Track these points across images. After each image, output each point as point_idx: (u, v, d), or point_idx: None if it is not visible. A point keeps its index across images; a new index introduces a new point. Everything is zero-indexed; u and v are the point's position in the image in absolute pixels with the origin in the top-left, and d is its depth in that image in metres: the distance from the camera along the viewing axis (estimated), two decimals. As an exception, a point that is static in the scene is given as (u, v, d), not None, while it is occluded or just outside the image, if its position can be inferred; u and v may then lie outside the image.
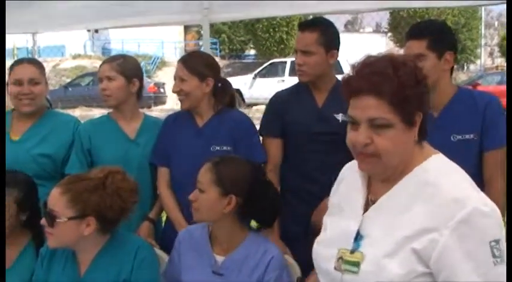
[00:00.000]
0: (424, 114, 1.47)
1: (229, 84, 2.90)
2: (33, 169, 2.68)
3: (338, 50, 2.78)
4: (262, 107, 14.62)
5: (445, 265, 1.38)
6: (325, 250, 1.60)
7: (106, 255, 2.13)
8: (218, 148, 2.71)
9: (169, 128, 2.85)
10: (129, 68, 2.83)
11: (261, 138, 2.89)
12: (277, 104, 2.89)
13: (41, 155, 2.83)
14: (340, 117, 2.69)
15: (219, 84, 2.79)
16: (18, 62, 2.93)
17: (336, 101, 2.71)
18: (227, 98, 2.83)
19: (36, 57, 7.55)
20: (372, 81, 1.42)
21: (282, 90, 2.99)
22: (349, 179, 1.66)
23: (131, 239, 2.25)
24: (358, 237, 1.50)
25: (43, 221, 2.07)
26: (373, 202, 1.54)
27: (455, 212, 1.38)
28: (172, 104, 20.34)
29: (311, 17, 3.25)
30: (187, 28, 30.42)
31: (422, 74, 1.46)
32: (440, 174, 1.48)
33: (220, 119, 2.78)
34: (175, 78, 2.76)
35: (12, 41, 27.44)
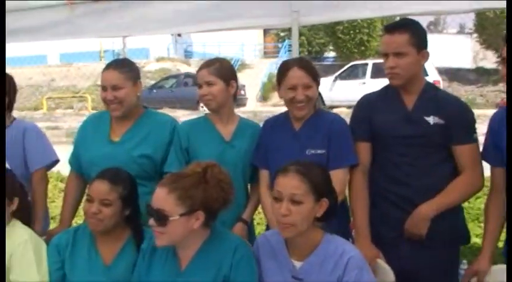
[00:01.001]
0: None
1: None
2: (133, 169, 2.75)
3: (427, 49, 2.73)
4: (343, 110, 14.52)
5: None
6: None
7: (206, 251, 2.20)
8: (313, 152, 2.74)
9: (268, 131, 2.91)
10: (226, 71, 2.89)
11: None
12: (365, 107, 2.87)
13: (141, 156, 2.90)
14: (431, 119, 2.66)
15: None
16: (106, 67, 2.99)
17: (427, 103, 2.70)
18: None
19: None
20: None
21: (370, 93, 2.96)
22: None
23: (230, 237, 2.31)
24: None
25: (151, 222, 2.12)
26: None
27: None
28: (253, 105, 20.57)
29: (397, 18, 3.18)
30: (266, 30, 30.62)
31: None
32: None
33: (316, 121, 2.81)
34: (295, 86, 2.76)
35: (99, 43, 28.68)
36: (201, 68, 2.92)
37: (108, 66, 2.98)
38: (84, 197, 2.47)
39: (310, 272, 2.17)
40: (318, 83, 2.80)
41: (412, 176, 2.69)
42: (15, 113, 3.35)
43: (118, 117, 2.96)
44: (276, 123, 2.93)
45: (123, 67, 2.97)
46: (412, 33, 2.66)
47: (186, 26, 4.22)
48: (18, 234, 2.51)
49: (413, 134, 2.68)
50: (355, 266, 2.14)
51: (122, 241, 2.51)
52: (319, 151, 2.72)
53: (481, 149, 2.71)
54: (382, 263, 2.49)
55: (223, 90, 2.87)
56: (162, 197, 2.12)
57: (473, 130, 2.70)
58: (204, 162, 2.24)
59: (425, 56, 2.70)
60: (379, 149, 2.79)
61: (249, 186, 3.03)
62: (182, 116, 17.38)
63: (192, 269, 2.20)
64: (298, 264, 2.20)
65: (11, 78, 3.32)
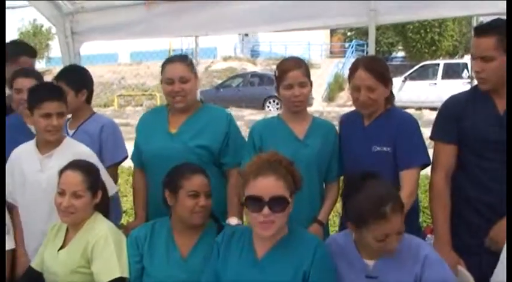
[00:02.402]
0: None
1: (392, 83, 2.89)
2: (191, 160, 2.82)
3: None
4: (412, 111, 14.21)
5: None
6: None
7: (284, 246, 2.22)
8: (379, 149, 2.74)
9: (343, 126, 2.98)
10: (309, 72, 2.91)
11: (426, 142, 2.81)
12: (454, 108, 2.76)
13: (198, 147, 2.98)
14: None
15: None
16: (169, 61, 3.06)
17: None
18: (390, 97, 2.86)
19: (196, 59, 7.99)
20: None
21: (458, 94, 2.85)
22: None
23: (309, 236, 2.36)
24: None
25: (266, 211, 2.12)
26: None
27: None
28: (318, 105, 20.46)
29: (475, 18, 3.07)
30: (333, 30, 30.36)
31: None
32: None
33: (386, 119, 2.79)
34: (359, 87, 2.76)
35: (169, 42, 29.31)
36: (290, 69, 2.88)
37: (173, 60, 3.07)
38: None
39: (386, 270, 2.18)
40: (386, 83, 2.76)
41: (497, 183, 2.57)
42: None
43: (180, 109, 3.03)
44: (348, 118, 2.97)
45: (187, 60, 3.07)
46: (501, 36, 2.52)
47: (262, 25, 4.25)
48: (100, 226, 2.59)
49: (503, 139, 2.53)
50: (434, 260, 2.15)
51: (199, 234, 2.56)
52: (384, 148, 2.72)
53: None
54: (463, 270, 2.41)
55: (309, 91, 2.90)
56: (274, 185, 2.14)
57: None
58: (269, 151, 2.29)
59: None
60: (469, 153, 2.69)
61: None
62: (248, 115, 17.51)
63: (269, 260, 2.23)
64: (370, 262, 2.21)
65: (86, 71, 3.41)
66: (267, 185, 2.12)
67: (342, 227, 2.80)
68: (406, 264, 2.16)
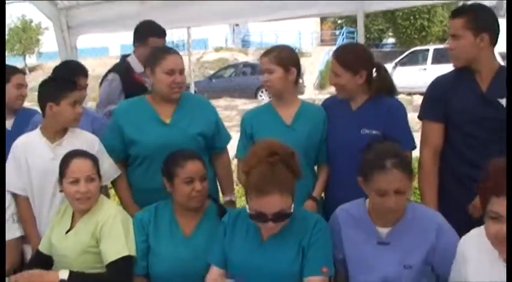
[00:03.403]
0: None
1: (383, 69, 2.99)
2: (190, 147, 2.89)
3: (492, 34, 2.76)
4: (403, 97, 14.23)
5: None
6: None
7: (288, 225, 2.33)
8: (367, 131, 2.84)
9: (327, 110, 3.06)
10: (285, 59, 2.98)
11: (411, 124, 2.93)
12: (440, 88, 2.91)
13: (198, 134, 3.07)
14: (504, 102, 2.69)
15: (374, 72, 2.92)
16: (167, 52, 3.06)
17: (500, 86, 2.72)
18: (382, 83, 2.95)
19: (189, 50, 8.08)
20: None
21: (444, 75, 3.00)
22: (486, 263, 1.82)
23: (309, 214, 2.51)
24: None
25: (271, 225, 2.24)
26: None
27: None
28: (310, 93, 20.55)
29: (461, 3, 3.20)
30: (323, 18, 30.38)
31: None
32: None
33: (374, 104, 2.90)
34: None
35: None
36: (262, 56, 3.05)
37: (171, 52, 3.09)
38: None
39: (398, 237, 2.29)
40: (354, 71, 2.86)
41: (483, 158, 2.69)
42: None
43: (173, 99, 3.09)
44: (333, 102, 3.07)
45: (179, 53, 3.13)
46: (470, 17, 2.73)
47: (252, 16, 4.35)
48: (107, 207, 2.72)
49: (488, 116, 2.72)
50: (447, 229, 2.27)
51: (200, 215, 2.69)
52: (373, 132, 2.83)
53: None
54: None
55: (281, 77, 2.98)
56: (275, 202, 2.20)
57: None
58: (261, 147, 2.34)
59: (485, 40, 2.73)
60: (455, 131, 2.84)
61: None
62: (241, 104, 17.58)
63: (273, 241, 2.35)
64: (384, 230, 2.32)
65: (76, 64, 3.64)
66: (271, 203, 2.20)
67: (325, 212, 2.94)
68: (420, 231, 2.26)
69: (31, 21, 30.87)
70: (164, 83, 3.02)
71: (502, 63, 2.95)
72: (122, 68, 3.88)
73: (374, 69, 2.96)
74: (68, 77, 3.16)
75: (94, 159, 2.71)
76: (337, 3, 3.98)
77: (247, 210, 2.29)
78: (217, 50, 28.74)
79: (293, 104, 3.08)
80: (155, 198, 2.84)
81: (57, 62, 4.00)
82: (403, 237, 2.28)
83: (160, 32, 3.78)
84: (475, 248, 1.91)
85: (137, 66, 3.81)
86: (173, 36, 28.08)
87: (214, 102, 3.43)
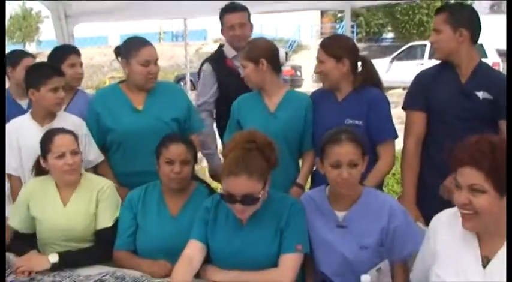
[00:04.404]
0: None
1: (369, 63, 3.12)
2: (164, 133, 2.95)
3: (472, 31, 2.93)
4: (399, 91, 14.28)
5: None
6: None
7: (266, 209, 2.46)
8: (351, 121, 2.98)
9: (315, 102, 3.19)
10: (253, 53, 3.12)
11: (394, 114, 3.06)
12: (423, 79, 3.08)
13: (172, 120, 3.23)
14: (480, 94, 2.86)
15: (358, 63, 3.06)
16: (144, 43, 3.19)
17: (478, 80, 2.90)
18: (367, 76, 3.08)
19: (186, 41, 8.17)
20: (475, 157, 1.83)
21: (428, 68, 3.19)
22: (455, 238, 2.00)
23: (286, 197, 2.63)
24: None
25: (239, 206, 2.35)
26: (486, 258, 1.89)
27: None
28: (309, 86, 20.62)
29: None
30: (323, 11, 30.40)
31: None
32: None
33: (358, 95, 3.04)
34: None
35: (159, 25, 29.22)
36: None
37: (146, 44, 3.20)
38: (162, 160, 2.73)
39: (354, 220, 2.44)
40: (338, 59, 2.99)
41: None
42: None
43: (147, 88, 3.23)
44: (321, 94, 3.21)
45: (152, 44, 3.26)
46: (450, 13, 2.94)
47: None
48: (98, 179, 2.94)
49: (466, 107, 2.89)
50: (399, 210, 2.42)
51: (187, 195, 2.81)
52: (356, 122, 2.97)
53: None
54: (421, 225, 2.65)
55: (253, 70, 3.12)
56: (243, 184, 2.31)
57: None
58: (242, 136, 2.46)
59: (463, 35, 2.90)
60: (435, 120, 3.01)
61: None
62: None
63: (252, 223, 2.47)
64: (341, 214, 2.47)
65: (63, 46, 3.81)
66: (238, 184, 2.30)
67: (314, 184, 3.11)
68: (373, 214, 2.42)
69: (31, 10, 30.92)
70: (140, 74, 3.17)
71: (499, 59, 3.11)
72: (215, 56, 3.97)
73: (360, 63, 3.09)
74: (54, 63, 3.34)
75: (74, 135, 2.83)
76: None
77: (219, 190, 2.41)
78: (216, 41, 28.72)
79: (278, 92, 3.19)
80: (135, 182, 2.98)
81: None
82: (358, 221, 2.43)
83: (233, 8, 3.81)
84: (445, 222, 2.06)
85: (229, 52, 3.87)
86: (173, 26, 28.20)
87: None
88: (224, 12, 3.61)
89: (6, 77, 3.79)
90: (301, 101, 3.17)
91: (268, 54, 3.14)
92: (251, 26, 3.72)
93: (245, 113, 3.19)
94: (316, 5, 4.28)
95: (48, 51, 4.17)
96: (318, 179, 3.12)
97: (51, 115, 3.11)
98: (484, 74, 2.94)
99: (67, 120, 3.11)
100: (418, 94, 3.06)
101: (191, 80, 8.16)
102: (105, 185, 2.84)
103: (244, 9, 3.71)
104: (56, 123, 3.05)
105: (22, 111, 3.52)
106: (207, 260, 2.53)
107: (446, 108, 2.95)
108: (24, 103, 3.74)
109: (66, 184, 2.82)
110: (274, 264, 2.43)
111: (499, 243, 1.88)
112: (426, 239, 2.15)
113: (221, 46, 3.98)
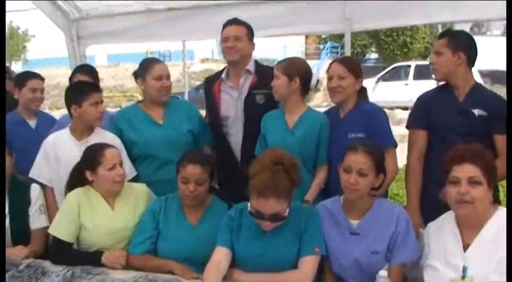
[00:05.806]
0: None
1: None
2: (182, 142, 3.47)
3: (469, 55, 3.22)
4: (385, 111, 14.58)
5: None
6: None
7: (287, 218, 2.64)
8: (354, 135, 3.25)
9: None
10: (291, 69, 3.36)
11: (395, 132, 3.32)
12: (425, 100, 3.38)
13: (188, 131, 3.58)
14: (476, 112, 3.15)
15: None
16: (154, 61, 3.64)
17: (474, 99, 3.20)
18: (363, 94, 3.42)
19: (184, 61, 8.39)
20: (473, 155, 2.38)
21: (429, 90, 3.48)
22: (442, 234, 2.52)
23: (303, 207, 2.88)
24: (464, 269, 2.30)
25: (267, 223, 2.60)
26: (467, 244, 2.41)
27: None
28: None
29: (440, 26, 3.68)
30: (308, 33, 30.80)
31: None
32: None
33: (357, 110, 3.32)
34: (332, 76, 3.31)
35: (146, 45, 29.36)
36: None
37: (158, 61, 3.67)
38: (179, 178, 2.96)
39: (366, 227, 2.70)
40: (356, 76, 3.30)
41: None
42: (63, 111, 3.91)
43: (163, 102, 3.59)
44: (327, 113, 3.48)
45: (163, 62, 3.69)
46: (450, 38, 3.24)
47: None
48: (135, 185, 3.21)
49: (463, 123, 3.18)
50: (404, 218, 2.68)
51: (205, 207, 3.03)
52: (359, 134, 3.23)
53: None
54: (422, 231, 2.88)
55: (284, 84, 3.35)
56: (272, 205, 2.52)
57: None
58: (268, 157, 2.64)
59: (461, 58, 3.20)
60: (436, 136, 3.27)
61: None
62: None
63: (274, 231, 2.68)
64: (355, 222, 2.73)
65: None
66: (267, 206, 2.52)
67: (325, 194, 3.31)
68: (384, 222, 2.67)
69: (18, 28, 30.92)
70: (154, 88, 3.53)
71: (481, 80, 3.42)
72: (214, 75, 4.05)
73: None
74: (18, 84, 3.79)
75: (118, 149, 3.11)
76: (325, 22, 4.31)
77: (248, 208, 2.62)
78: (203, 61, 29.06)
79: (298, 109, 3.42)
80: (163, 190, 3.19)
81: (43, 69, 4.38)
82: (370, 228, 2.69)
83: (231, 21, 3.81)
84: (434, 227, 2.59)
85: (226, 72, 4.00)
86: (160, 47, 28.41)
87: (202, 113, 3.86)
88: (224, 25, 3.72)
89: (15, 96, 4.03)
90: (316, 119, 3.38)
91: (303, 75, 3.37)
92: (252, 45, 3.76)
93: (268, 128, 3.43)
94: (318, 29, 4.51)
95: (35, 70, 4.40)
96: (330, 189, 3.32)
97: (89, 130, 3.35)
98: (479, 94, 3.23)
99: (103, 135, 3.35)
100: (420, 114, 3.34)
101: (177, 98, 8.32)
102: (140, 188, 3.14)
103: (243, 24, 3.69)
104: (93, 139, 3.29)
105: (31, 131, 3.76)
106: (232, 264, 2.74)
107: (446, 124, 3.22)
108: (32, 123, 3.97)
109: (111, 193, 3.04)
110: (294, 266, 2.66)
111: (475, 233, 2.39)
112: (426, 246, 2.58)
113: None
